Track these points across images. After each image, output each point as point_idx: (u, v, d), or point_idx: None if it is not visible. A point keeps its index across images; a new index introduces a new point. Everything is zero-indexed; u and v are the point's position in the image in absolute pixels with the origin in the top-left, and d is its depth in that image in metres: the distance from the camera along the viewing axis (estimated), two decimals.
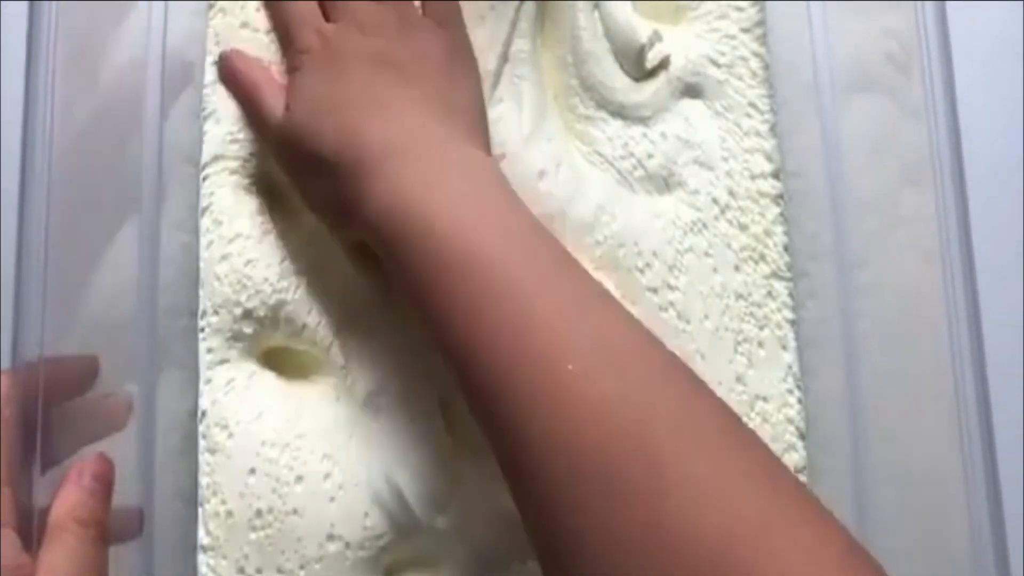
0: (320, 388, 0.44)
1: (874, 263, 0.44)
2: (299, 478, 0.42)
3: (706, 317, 0.45)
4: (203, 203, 0.45)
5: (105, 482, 0.38)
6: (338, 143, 0.40)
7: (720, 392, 0.40)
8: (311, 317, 0.44)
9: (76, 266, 0.43)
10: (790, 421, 0.44)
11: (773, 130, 0.46)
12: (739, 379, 0.44)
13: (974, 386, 0.41)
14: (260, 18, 0.46)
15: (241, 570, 0.41)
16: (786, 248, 0.45)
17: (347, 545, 0.42)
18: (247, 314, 0.43)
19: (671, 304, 0.45)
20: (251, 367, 0.44)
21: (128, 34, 0.45)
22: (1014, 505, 0.41)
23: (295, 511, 0.42)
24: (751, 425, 0.43)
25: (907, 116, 0.43)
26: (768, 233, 0.45)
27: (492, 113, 0.45)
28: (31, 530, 0.37)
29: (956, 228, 0.41)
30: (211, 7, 0.46)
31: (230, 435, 0.43)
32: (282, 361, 0.45)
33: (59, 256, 0.41)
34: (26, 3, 0.40)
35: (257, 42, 0.46)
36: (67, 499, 0.37)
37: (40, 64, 0.40)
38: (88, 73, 0.43)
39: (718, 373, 0.44)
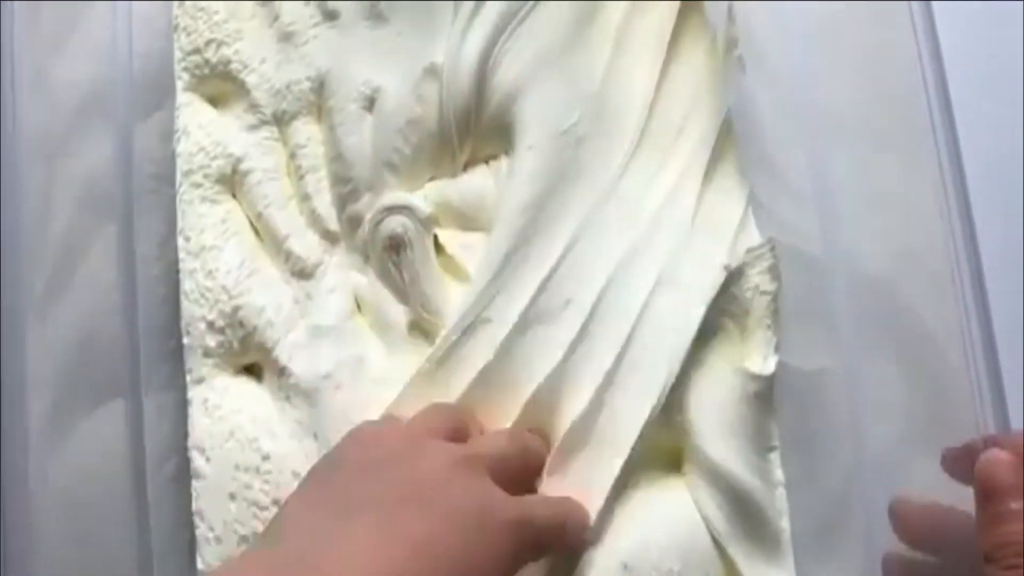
0: (267, 389, 0.42)
1: None
2: (276, 501, 0.40)
3: None
4: (178, 224, 0.44)
5: None
6: None
7: None
8: (261, 319, 0.42)
9: (62, 290, 0.43)
10: None
11: None
12: None
13: None
14: (222, 32, 0.46)
15: None
16: None
17: None
18: (210, 326, 0.42)
19: None
20: (224, 382, 0.43)
21: (94, 56, 0.45)
22: None
23: None
24: None
25: None
26: None
27: None
28: None
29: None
30: (175, 28, 0.46)
31: (207, 460, 0.41)
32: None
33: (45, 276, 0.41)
34: None
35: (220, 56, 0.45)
36: None
37: (7, 81, 0.40)
38: (55, 95, 0.44)
39: None
